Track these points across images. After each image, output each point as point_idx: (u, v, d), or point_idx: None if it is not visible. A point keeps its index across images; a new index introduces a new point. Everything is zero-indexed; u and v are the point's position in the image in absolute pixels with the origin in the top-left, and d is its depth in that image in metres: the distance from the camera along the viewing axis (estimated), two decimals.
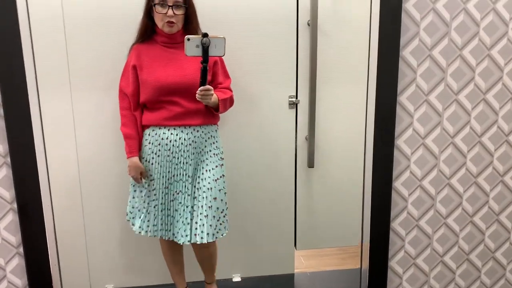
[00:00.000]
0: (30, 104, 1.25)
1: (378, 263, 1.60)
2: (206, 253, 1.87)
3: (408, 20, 1.50)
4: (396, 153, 1.58)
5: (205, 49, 1.37)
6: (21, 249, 1.39)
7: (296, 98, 1.89)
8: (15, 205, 1.37)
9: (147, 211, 1.72)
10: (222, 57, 1.63)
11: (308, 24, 1.69)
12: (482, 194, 1.68)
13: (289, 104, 1.89)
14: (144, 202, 1.70)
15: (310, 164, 1.96)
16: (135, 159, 1.68)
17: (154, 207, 1.72)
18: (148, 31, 1.68)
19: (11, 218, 1.38)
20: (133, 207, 1.74)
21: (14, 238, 1.40)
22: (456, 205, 1.67)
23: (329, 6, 1.74)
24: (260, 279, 2.24)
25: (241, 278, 2.21)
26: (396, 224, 1.64)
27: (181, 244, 1.69)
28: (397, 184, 1.61)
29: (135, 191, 1.75)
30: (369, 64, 1.49)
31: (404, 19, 1.49)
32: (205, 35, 1.37)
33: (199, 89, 1.52)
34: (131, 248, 2.01)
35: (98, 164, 1.87)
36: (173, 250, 1.91)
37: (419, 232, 1.67)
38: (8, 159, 1.33)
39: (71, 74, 1.73)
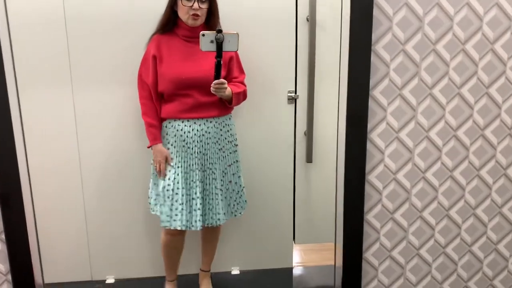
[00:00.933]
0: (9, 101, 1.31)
1: (352, 258, 1.63)
2: (214, 235, 1.95)
3: (381, 16, 1.52)
4: (369, 146, 1.60)
5: (219, 44, 1.45)
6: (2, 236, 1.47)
7: (295, 93, 1.92)
8: None
9: (171, 204, 1.78)
10: (237, 51, 1.68)
11: (307, 20, 1.71)
12: (458, 188, 1.69)
13: (288, 99, 1.92)
14: (166, 191, 1.75)
15: (309, 159, 1.99)
16: (160, 145, 1.76)
17: (174, 197, 1.77)
18: (170, 23, 1.74)
19: None
20: (157, 195, 1.80)
21: None
22: (431, 198, 1.69)
23: (328, 1, 1.76)
24: (258, 272, 2.28)
25: (239, 271, 2.26)
26: (370, 217, 1.67)
27: (198, 230, 1.76)
28: (371, 177, 1.63)
29: (155, 184, 1.81)
30: (340, 59, 1.52)
31: (377, 14, 1.51)
32: (219, 31, 1.44)
33: (213, 82, 1.57)
34: (131, 240, 2.06)
35: (100, 159, 1.92)
36: (176, 240, 1.96)
37: (394, 225, 1.69)
38: None
39: (72, 70, 1.76)
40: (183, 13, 1.67)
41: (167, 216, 1.76)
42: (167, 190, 1.76)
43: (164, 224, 1.79)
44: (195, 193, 1.78)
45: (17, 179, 1.40)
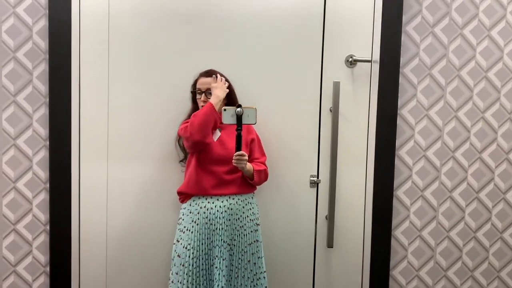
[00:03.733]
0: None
1: None
2: None
3: (404, 125, 1.70)
4: (393, 242, 1.70)
5: (239, 117, 1.62)
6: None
7: (318, 177, 1.98)
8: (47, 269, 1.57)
9: (192, 279, 1.82)
10: (258, 136, 1.84)
11: (330, 110, 1.86)
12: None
13: (310, 183, 1.98)
14: (187, 270, 1.80)
15: (330, 244, 1.98)
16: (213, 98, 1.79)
17: (195, 273, 1.82)
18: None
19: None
20: (176, 273, 1.84)
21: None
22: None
23: (350, 93, 1.90)
24: None
25: None
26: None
27: None
28: (395, 272, 1.71)
29: (175, 265, 1.86)
30: (367, 161, 1.68)
31: (400, 124, 1.69)
32: (239, 106, 1.62)
33: (234, 154, 1.72)
34: None
35: (124, 233, 2.01)
36: None
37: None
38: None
39: (109, 143, 1.92)
40: (199, 105, 1.90)
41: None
42: (185, 267, 1.81)
43: None
44: (220, 269, 1.82)
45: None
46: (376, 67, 1.76)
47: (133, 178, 1.88)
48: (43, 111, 1.67)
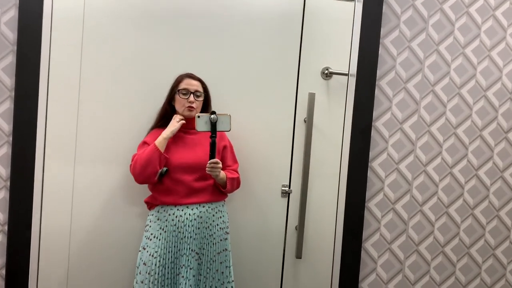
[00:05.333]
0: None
1: None
2: None
3: (378, 137, 1.71)
4: (363, 255, 1.69)
5: (213, 124, 1.59)
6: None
7: (289, 187, 1.98)
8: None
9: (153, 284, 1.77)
10: (230, 143, 1.81)
11: (305, 121, 1.86)
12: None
13: (282, 192, 1.97)
14: (153, 279, 1.75)
15: (298, 255, 1.98)
16: (158, 137, 1.73)
17: (161, 282, 1.77)
18: (166, 116, 1.88)
19: None
20: (142, 282, 1.78)
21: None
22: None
23: (325, 105, 1.91)
24: None
25: None
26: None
27: None
28: (364, 284, 1.70)
29: (140, 273, 1.81)
30: (340, 171, 1.67)
31: (374, 136, 1.70)
32: (213, 112, 1.59)
33: (208, 162, 1.68)
34: None
35: (89, 236, 1.95)
36: None
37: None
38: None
39: (78, 143, 1.87)
40: (180, 106, 1.83)
41: None
42: (151, 275, 1.77)
43: None
44: (187, 278, 1.78)
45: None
46: (352, 80, 1.76)
47: (100, 181, 1.81)
48: (7, 105, 1.60)
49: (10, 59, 1.58)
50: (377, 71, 1.75)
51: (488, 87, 1.79)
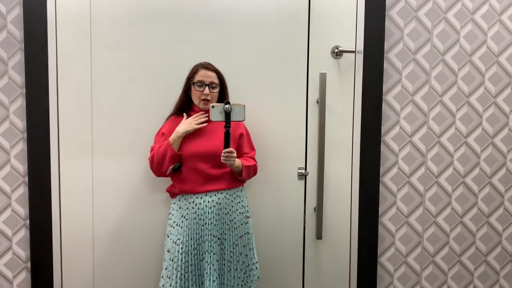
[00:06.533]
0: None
1: None
2: None
3: (389, 110, 1.69)
4: (381, 229, 1.69)
5: (227, 114, 1.59)
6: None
7: (305, 170, 1.98)
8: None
9: (181, 274, 1.81)
10: (247, 130, 1.82)
11: (317, 102, 1.85)
12: (467, 273, 1.75)
13: (298, 175, 1.98)
14: (176, 265, 1.78)
15: (319, 236, 1.99)
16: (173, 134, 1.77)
17: (184, 268, 1.81)
18: (184, 106, 1.89)
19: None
20: (166, 268, 1.83)
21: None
22: (441, 282, 1.74)
23: (337, 85, 1.90)
24: None
25: None
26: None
27: None
28: (383, 259, 1.70)
29: (165, 259, 1.85)
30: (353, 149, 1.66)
31: (386, 110, 1.68)
32: (227, 102, 1.59)
33: (223, 151, 1.70)
34: None
35: (111, 229, 1.98)
36: None
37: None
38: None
39: (94, 141, 1.90)
40: (196, 98, 1.83)
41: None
42: (174, 262, 1.80)
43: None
44: (211, 263, 1.81)
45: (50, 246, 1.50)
46: (360, 57, 1.74)
47: (119, 172, 1.84)
48: (20, 102, 1.62)
49: (18, 57, 1.61)
50: (385, 43, 1.72)
51: (500, 51, 1.76)
